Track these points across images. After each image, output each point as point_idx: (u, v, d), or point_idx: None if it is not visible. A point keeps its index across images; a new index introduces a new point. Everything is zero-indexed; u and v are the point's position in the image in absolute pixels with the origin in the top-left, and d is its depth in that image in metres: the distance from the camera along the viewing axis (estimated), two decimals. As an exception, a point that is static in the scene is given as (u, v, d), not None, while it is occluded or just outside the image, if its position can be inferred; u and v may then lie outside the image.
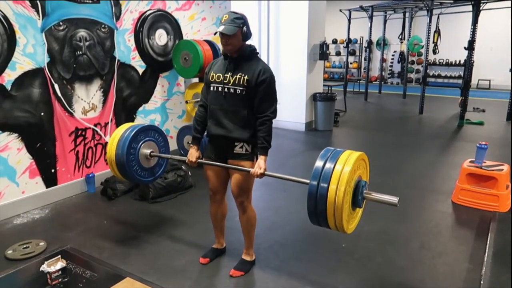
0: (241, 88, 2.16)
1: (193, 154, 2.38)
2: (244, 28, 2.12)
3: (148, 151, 2.64)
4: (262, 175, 2.15)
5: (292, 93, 6.46)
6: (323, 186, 1.78)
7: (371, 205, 3.49)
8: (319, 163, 1.86)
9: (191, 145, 2.41)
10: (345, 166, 1.79)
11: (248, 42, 2.22)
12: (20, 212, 3.29)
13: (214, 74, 2.24)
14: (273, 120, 2.22)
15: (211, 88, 2.25)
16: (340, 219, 1.78)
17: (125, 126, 2.67)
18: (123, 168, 2.54)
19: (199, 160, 2.38)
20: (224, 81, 2.19)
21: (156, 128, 2.77)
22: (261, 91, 2.15)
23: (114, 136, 2.59)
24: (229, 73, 2.18)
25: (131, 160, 2.56)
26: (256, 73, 2.14)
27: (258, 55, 2.26)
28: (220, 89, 2.22)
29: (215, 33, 2.10)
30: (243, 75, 2.15)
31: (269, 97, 2.18)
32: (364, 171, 1.98)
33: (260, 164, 2.16)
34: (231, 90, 2.18)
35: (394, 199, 1.86)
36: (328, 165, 1.82)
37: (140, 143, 2.61)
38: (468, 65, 6.99)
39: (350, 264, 2.56)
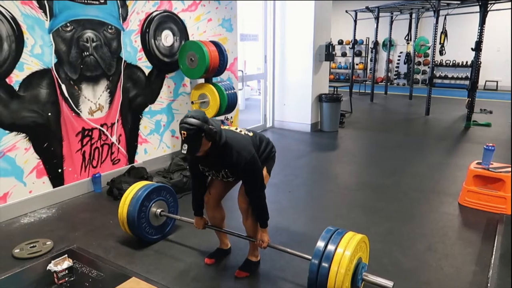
0: (231, 178, 2.25)
1: (199, 223, 2.52)
2: (203, 134, 1.95)
3: (158, 210, 2.77)
4: (266, 247, 2.30)
5: (297, 94, 6.45)
6: (325, 266, 1.85)
7: (376, 205, 3.50)
8: (320, 244, 1.93)
9: (194, 216, 2.52)
10: (346, 250, 1.86)
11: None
12: (27, 212, 3.32)
13: (201, 167, 2.26)
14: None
15: (206, 173, 2.31)
16: None
17: (140, 184, 2.80)
18: (133, 224, 2.65)
19: (207, 226, 2.55)
20: (214, 174, 2.27)
21: (168, 188, 2.89)
22: (245, 176, 2.19)
23: (128, 194, 2.71)
24: (212, 171, 2.24)
25: (141, 217, 2.67)
26: (234, 165, 2.12)
27: (224, 138, 2.09)
28: (214, 176, 2.29)
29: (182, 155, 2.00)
30: (226, 170, 2.19)
31: (254, 177, 2.18)
32: (364, 253, 2.07)
33: (263, 238, 2.29)
34: (224, 179, 2.27)
35: (389, 283, 1.93)
36: (330, 247, 1.90)
37: (152, 202, 2.74)
38: (475, 66, 6.93)
39: (356, 266, 2.54)
